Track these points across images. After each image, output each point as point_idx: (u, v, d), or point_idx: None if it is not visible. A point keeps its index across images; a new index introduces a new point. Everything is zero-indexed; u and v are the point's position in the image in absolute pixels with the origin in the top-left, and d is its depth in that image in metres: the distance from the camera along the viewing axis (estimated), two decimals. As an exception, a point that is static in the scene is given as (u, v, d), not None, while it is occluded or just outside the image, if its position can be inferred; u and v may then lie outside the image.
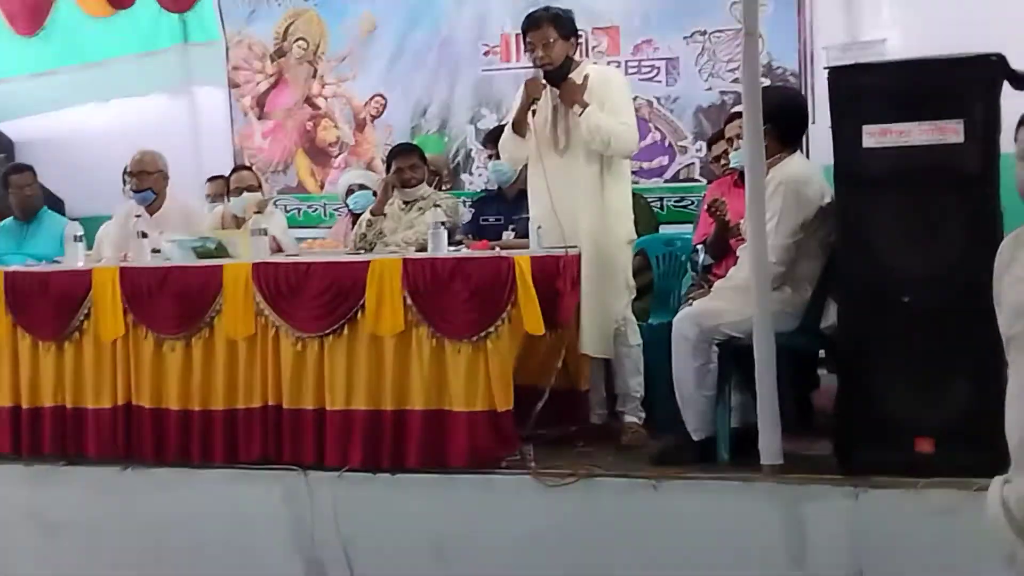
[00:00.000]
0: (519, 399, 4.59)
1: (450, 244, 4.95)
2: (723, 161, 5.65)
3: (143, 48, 8.13)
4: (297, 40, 7.70)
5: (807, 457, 4.38)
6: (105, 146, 7.71)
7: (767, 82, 5.99)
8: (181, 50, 8.05)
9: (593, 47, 6.83)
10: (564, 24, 4.94)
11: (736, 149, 4.99)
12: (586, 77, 4.91)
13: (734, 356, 4.45)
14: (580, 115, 4.83)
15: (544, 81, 4.96)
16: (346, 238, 6.21)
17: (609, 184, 4.96)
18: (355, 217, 6.11)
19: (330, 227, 7.05)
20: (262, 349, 4.83)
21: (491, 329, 4.48)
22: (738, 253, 4.69)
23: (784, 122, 4.49)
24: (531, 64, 5.09)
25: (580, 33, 5.23)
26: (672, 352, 4.52)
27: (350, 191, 6.41)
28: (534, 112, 4.97)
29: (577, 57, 5.15)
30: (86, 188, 7.60)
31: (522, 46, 5.89)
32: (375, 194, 6.01)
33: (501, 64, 7.17)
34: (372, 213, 5.79)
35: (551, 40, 4.89)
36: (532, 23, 4.95)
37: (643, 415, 5.08)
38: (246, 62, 7.86)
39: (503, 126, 5.38)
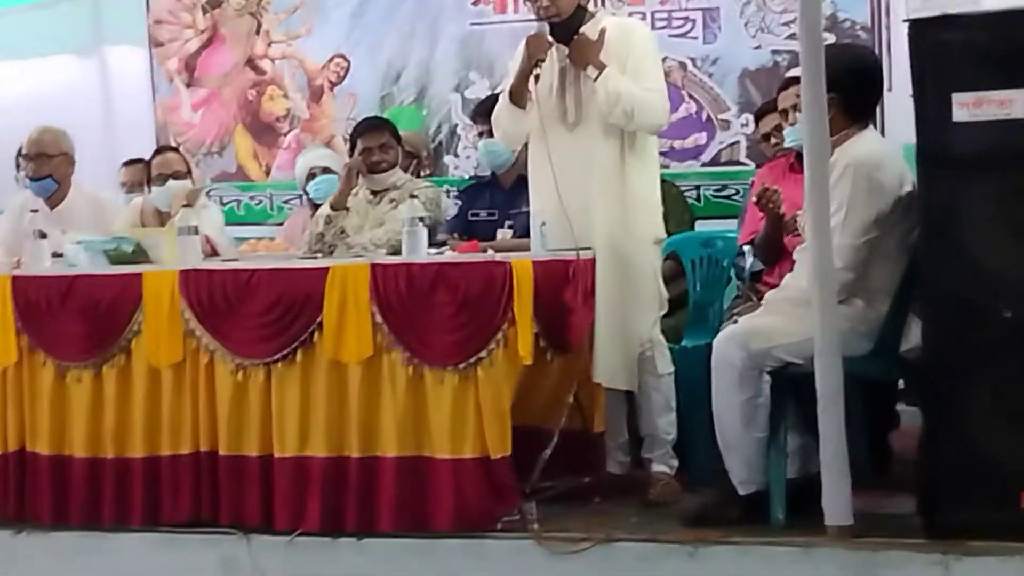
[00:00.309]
0: (518, 443, 4.58)
1: (431, 245, 4.95)
2: (775, 140, 5.65)
3: (40, -4, 8.15)
4: (236, -14, 7.73)
5: (884, 516, 4.37)
6: (-7, 122, 7.72)
7: (831, 39, 5.99)
8: (90, -1, 8.07)
9: (612, -6, 6.86)
10: None
11: (792, 124, 4.98)
12: (602, 32, 4.92)
13: (791, 388, 4.44)
14: (595, 79, 4.83)
15: (550, 38, 4.96)
16: (302, 236, 6.21)
17: (632, 168, 4.96)
18: (317, 210, 6.11)
19: (279, 223, 7.05)
20: (192, 380, 4.83)
21: (482, 354, 4.48)
22: (795, 256, 4.68)
23: (853, 90, 4.48)
24: (533, 17, 5.09)
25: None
26: (712, 383, 4.51)
27: (311, 175, 6.42)
28: (537, 77, 4.97)
29: (592, 7, 5.16)
30: (-33, 174, 7.61)
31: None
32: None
33: (494, 16, 7.18)
34: (332, 207, 5.80)
35: (559, -14, 4.91)
36: None
37: (675, 463, 5.07)
38: (172, 14, 7.88)
39: (497, 95, 5.39)
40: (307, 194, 6.48)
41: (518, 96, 5.02)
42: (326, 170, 6.38)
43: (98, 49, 8.10)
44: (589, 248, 4.86)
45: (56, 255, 5.27)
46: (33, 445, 5.01)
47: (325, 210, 5.83)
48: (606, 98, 4.82)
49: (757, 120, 5.99)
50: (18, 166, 6.84)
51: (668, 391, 5.06)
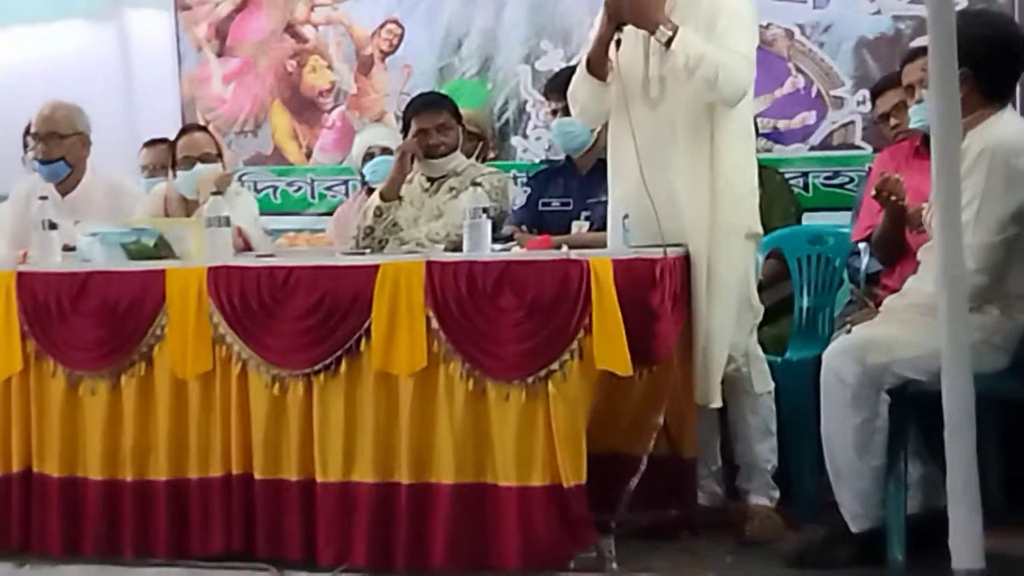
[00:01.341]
0: (596, 470, 4.59)
1: (496, 240, 4.97)
2: (896, 120, 5.62)
3: (49, -48, 8.24)
4: (275, -60, 7.78)
5: (1020, 559, 4.34)
6: (-3, 95, 7.82)
7: (963, 4, 5.95)
8: (108, -45, 8.16)
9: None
10: None
11: (918, 102, 4.96)
12: None
13: (913, 409, 4.43)
14: (668, 42, 4.79)
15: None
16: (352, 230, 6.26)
17: (721, 149, 4.94)
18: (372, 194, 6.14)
19: (321, 213, 7.10)
20: (223, 393, 4.88)
21: (554, 366, 4.49)
22: (919, 256, 4.66)
23: (989, 64, 4.47)
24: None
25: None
26: (821, 402, 4.51)
27: (368, 156, 6.45)
28: (619, 44, 4.97)
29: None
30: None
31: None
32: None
33: (572, -25, 7.19)
34: (383, 197, 5.83)
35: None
36: None
37: (776, 494, 5.08)
38: (201, -28, 7.95)
39: (573, 68, 5.39)
40: (364, 178, 6.51)
41: (597, 66, 5.01)
42: (385, 150, 6.42)
43: (116, 12, 8.19)
44: (679, 244, 4.86)
45: (68, 248, 5.33)
46: (41, 465, 5.08)
47: (375, 201, 5.86)
48: (685, 62, 4.78)
49: (875, 97, 5.96)
50: (26, 146, 6.91)
51: (767, 413, 5.06)
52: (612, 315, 4.48)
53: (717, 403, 4.97)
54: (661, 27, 4.81)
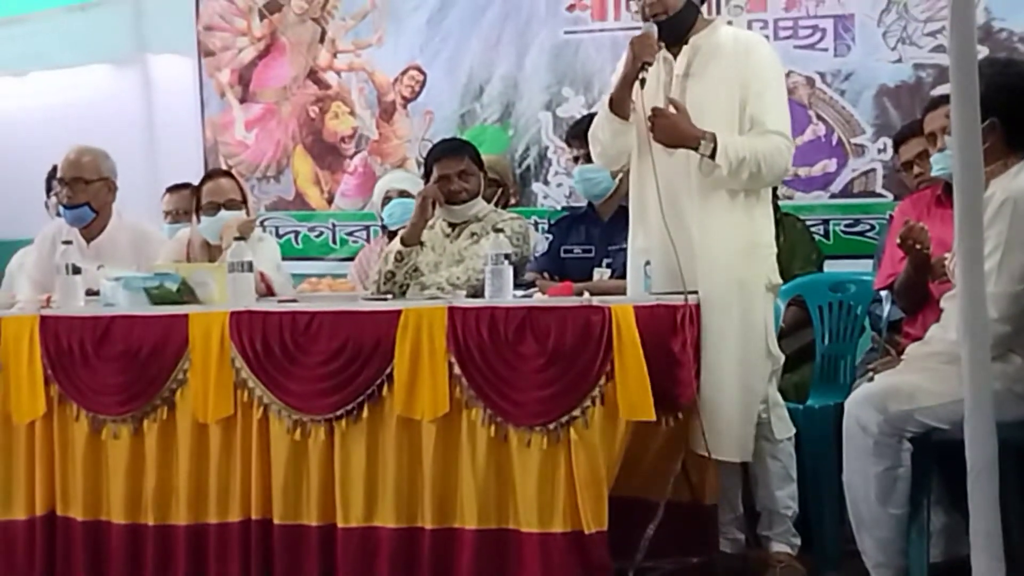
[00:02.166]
0: (617, 516, 4.58)
1: (517, 286, 4.98)
2: (918, 168, 5.62)
3: (76, -2, 8.30)
4: (298, -13, 7.83)
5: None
6: (21, 139, 7.87)
7: (985, 52, 5.96)
8: (131, 2, 8.21)
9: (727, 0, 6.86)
10: None
11: (940, 149, 4.96)
12: (674, 102, 4.92)
13: (935, 457, 4.42)
14: (712, 154, 4.82)
15: (656, 40, 4.97)
16: (373, 275, 6.28)
17: (742, 200, 4.96)
18: (392, 239, 6.17)
19: (343, 258, 7.11)
20: (244, 437, 4.90)
21: (576, 412, 4.48)
22: (942, 304, 4.66)
23: (1013, 114, 4.46)
24: (635, 24, 5.13)
25: (711, -23, 5.25)
26: (843, 449, 4.50)
27: (387, 200, 6.47)
28: (643, 83, 4.97)
29: (706, 13, 5.17)
30: (-7, 199, 7.77)
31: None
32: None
33: (592, 24, 7.21)
34: (404, 242, 5.85)
35: (664, -23, 4.95)
36: None
37: (797, 542, 5.07)
38: (224, 20, 8.00)
39: (594, 114, 5.40)
40: (383, 222, 6.53)
41: (619, 105, 5.02)
42: (403, 193, 6.44)
43: (140, 58, 8.24)
44: (695, 292, 4.86)
45: (91, 293, 5.36)
46: (65, 509, 5.11)
47: (396, 246, 5.88)
48: (729, 169, 4.83)
49: (897, 145, 5.97)
50: (50, 191, 6.95)
51: (788, 459, 5.05)
52: (635, 362, 4.47)
53: (748, 457, 4.97)
54: (703, 141, 4.84)
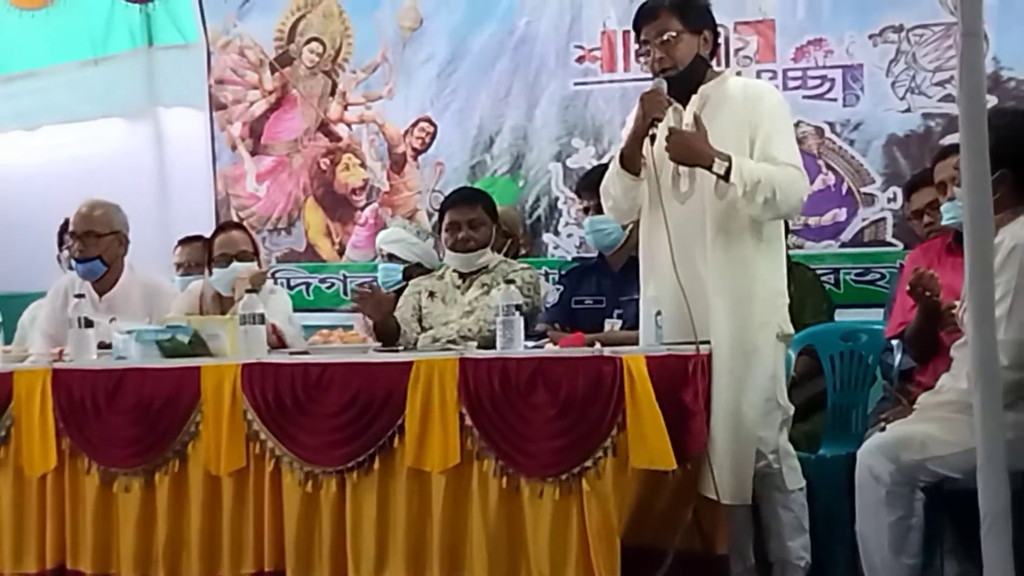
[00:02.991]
0: (628, 565, 4.55)
1: (528, 337, 4.98)
2: (929, 217, 5.63)
3: (89, 53, 8.36)
4: (309, 42, 7.86)
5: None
6: (34, 192, 7.90)
7: (994, 101, 5.97)
8: (144, 56, 8.27)
9: (737, 50, 6.87)
10: (692, 12, 5.01)
11: (950, 198, 4.97)
12: (696, 119, 4.94)
13: (949, 507, 4.40)
14: (725, 175, 4.81)
15: (666, 95, 4.99)
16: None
17: (753, 248, 4.96)
18: (398, 294, 6.18)
19: (357, 310, 7.09)
20: (256, 490, 4.89)
21: (588, 463, 4.47)
22: (952, 353, 4.65)
23: (1022, 162, 4.48)
24: (644, 75, 5.14)
25: (720, 30, 5.26)
26: (856, 499, 4.49)
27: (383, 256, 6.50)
28: (653, 138, 4.98)
29: (716, 65, 5.19)
30: (5, 253, 7.77)
31: (632, 49, 5.95)
32: (408, 275, 6.16)
33: (602, 75, 7.23)
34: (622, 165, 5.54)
35: (674, 34, 4.96)
36: (647, 14, 5.03)
37: (811, 592, 5.04)
38: (235, 73, 8.03)
39: (604, 165, 5.42)
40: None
41: (630, 161, 5.04)
42: (391, 257, 6.45)
43: (152, 112, 8.30)
44: (707, 342, 4.86)
45: (103, 346, 5.37)
46: (75, 562, 5.10)
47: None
48: (744, 190, 4.80)
49: (908, 194, 5.97)
50: (63, 245, 6.97)
51: (800, 509, 5.03)
52: (650, 411, 4.46)
53: (747, 500, 4.95)
54: (716, 160, 4.83)
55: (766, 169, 4.83)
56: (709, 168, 4.84)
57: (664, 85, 4.97)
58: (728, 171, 4.80)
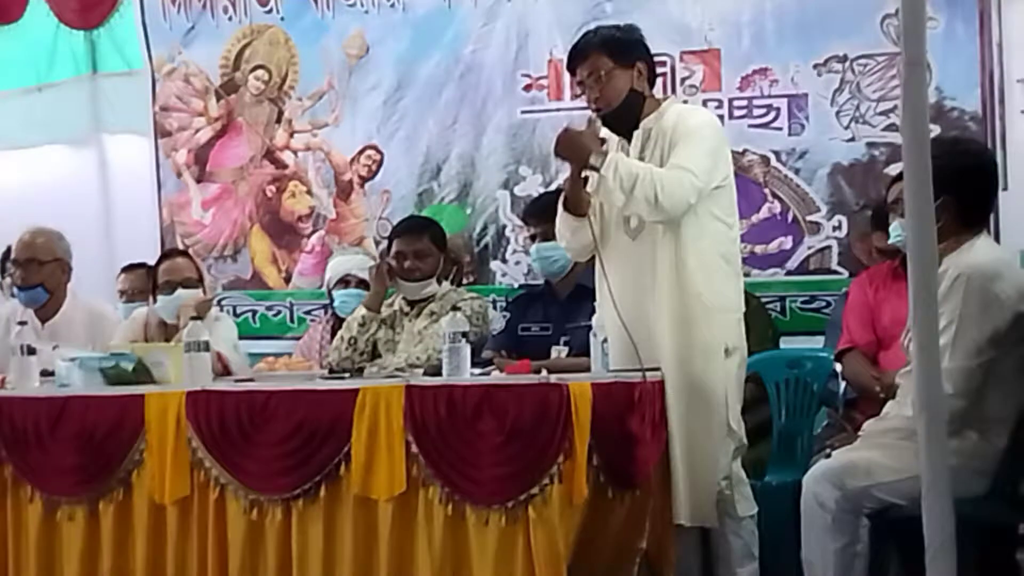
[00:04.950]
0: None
1: (475, 364, 4.98)
2: (876, 245, 5.66)
3: (33, 80, 8.32)
4: (255, 69, 7.85)
5: None
6: (-24, 220, 7.84)
7: (937, 131, 6.03)
8: (88, 83, 8.23)
9: (683, 79, 6.90)
10: (621, 47, 5.05)
11: (902, 215, 5.02)
12: (590, 122, 4.99)
13: (893, 533, 4.42)
14: (600, 170, 4.84)
15: (603, 132, 5.02)
16: (320, 353, 6.26)
17: (695, 271, 4.95)
18: (339, 324, 6.18)
19: (300, 337, 7.11)
20: (201, 518, 4.86)
21: (534, 491, 4.46)
22: (897, 379, 4.68)
23: (966, 192, 4.52)
24: (588, 107, 5.17)
25: (664, 59, 5.29)
26: (802, 526, 4.50)
27: (342, 282, 6.48)
28: (586, 181, 4.97)
29: (659, 93, 5.22)
30: (-53, 280, 7.72)
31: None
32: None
33: (548, 103, 7.24)
34: (367, 308, 5.89)
35: (604, 72, 5.00)
36: (577, 55, 5.09)
37: (759, 619, 5.05)
38: (180, 100, 8.01)
39: (551, 193, 5.45)
40: (332, 301, 6.53)
41: (574, 204, 5.09)
42: (348, 282, 6.45)
43: (97, 139, 8.26)
44: (657, 369, 4.87)
45: (46, 373, 5.34)
46: (18, 593, 5.06)
47: (360, 312, 5.92)
48: (619, 184, 4.81)
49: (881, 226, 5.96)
50: (3, 271, 6.93)
51: (750, 536, 5.04)
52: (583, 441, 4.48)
53: (712, 523, 4.98)
54: (594, 155, 4.87)
55: (648, 168, 4.85)
56: (585, 166, 4.88)
57: (599, 124, 5.01)
58: (602, 166, 4.84)
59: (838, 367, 5.61)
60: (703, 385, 4.94)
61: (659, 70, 5.62)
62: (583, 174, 4.96)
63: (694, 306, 4.94)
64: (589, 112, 5.10)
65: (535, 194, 6.82)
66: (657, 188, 4.80)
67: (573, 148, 4.95)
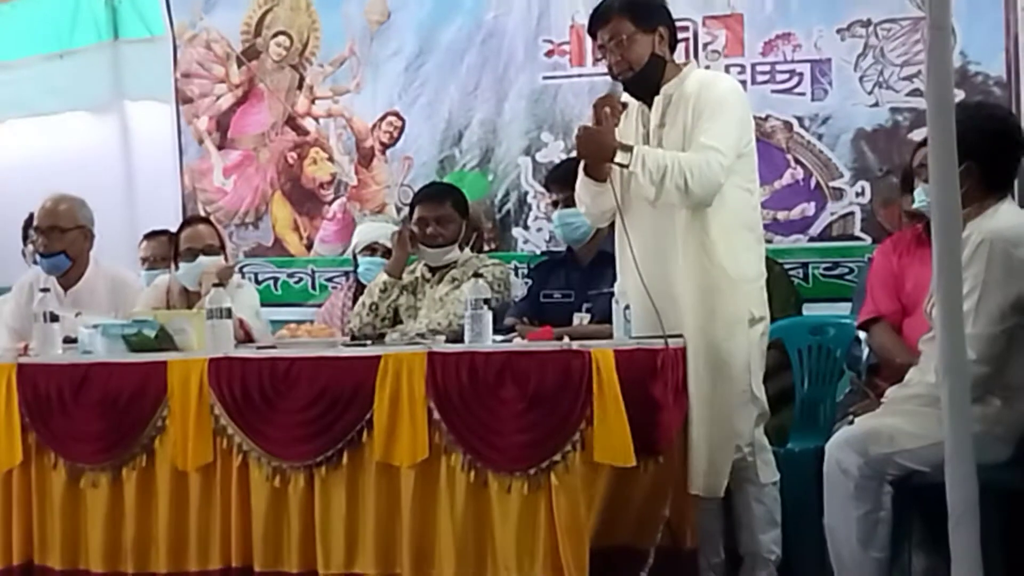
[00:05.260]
0: (604, 562, 4.57)
1: (497, 331, 4.99)
2: (905, 209, 5.63)
3: (55, 47, 8.32)
4: (276, 35, 7.84)
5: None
6: (-1, 187, 7.86)
7: (961, 95, 6.00)
8: (110, 49, 8.23)
9: (706, 45, 6.87)
10: (643, 11, 5.03)
11: (925, 180, 5.00)
12: (616, 106, 4.95)
13: (916, 500, 4.42)
14: (628, 167, 4.84)
15: (625, 98, 5.02)
16: (342, 320, 6.26)
17: (718, 240, 4.95)
18: (361, 290, 6.18)
19: (322, 304, 7.12)
20: (224, 485, 4.89)
21: (556, 457, 4.48)
22: (920, 346, 4.67)
23: (990, 157, 4.50)
24: (609, 71, 5.16)
25: (687, 24, 5.27)
26: (824, 494, 4.50)
27: (368, 249, 6.48)
28: None
29: (680, 59, 5.20)
30: (-31, 248, 7.75)
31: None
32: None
33: (570, 69, 7.23)
34: (388, 274, 5.89)
35: (626, 36, 4.98)
36: (599, 18, 5.06)
37: (781, 586, 5.05)
38: (202, 67, 8.00)
39: (573, 160, 5.43)
40: (357, 267, 6.52)
41: (594, 168, 5.08)
42: (374, 251, 6.45)
43: (119, 105, 8.25)
44: (679, 335, 4.87)
45: (69, 340, 5.35)
46: (43, 558, 5.09)
47: (381, 278, 5.93)
48: (649, 178, 4.82)
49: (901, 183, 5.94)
50: (27, 239, 6.95)
51: (772, 503, 5.05)
52: (614, 406, 4.48)
53: (718, 495, 4.97)
54: (619, 152, 4.86)
55: (675, 156, 4.84)
56: (612, 160, 4.86)
57: (619, 89, 5.02)
58: (631, 163, 4.83)
59: (862, 334, 5.59)
60: (725, 356, 4.93)
61: (681, 35, 5.58)
62: (606, 168, 4.96)
63: (719, 277, 4.93)
64: (609, 78, 5.09)
65: (557, 160, 6.81)
66: (687, 175, 4.79)
67: (596, 146, 4.93)
